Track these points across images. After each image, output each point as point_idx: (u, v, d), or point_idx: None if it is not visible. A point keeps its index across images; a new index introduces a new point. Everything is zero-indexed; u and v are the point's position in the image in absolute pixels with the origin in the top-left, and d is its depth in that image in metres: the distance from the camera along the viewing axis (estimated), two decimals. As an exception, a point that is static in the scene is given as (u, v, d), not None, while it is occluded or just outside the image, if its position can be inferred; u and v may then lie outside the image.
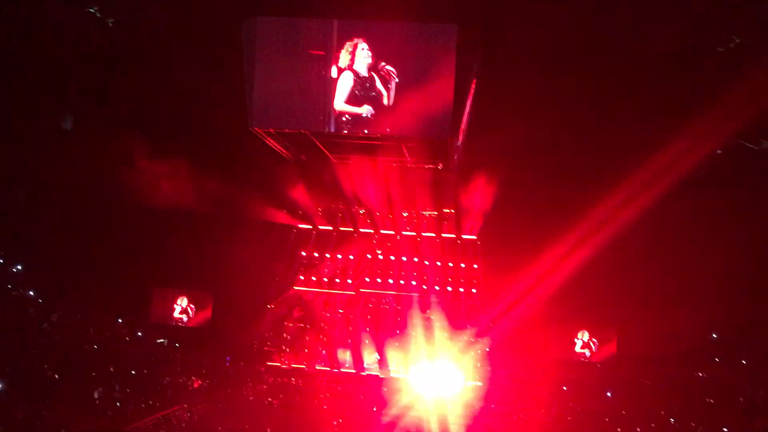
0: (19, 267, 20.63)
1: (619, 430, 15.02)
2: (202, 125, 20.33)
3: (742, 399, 15.67)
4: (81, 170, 20.00)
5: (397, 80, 14.32)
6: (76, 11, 15.81)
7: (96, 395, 15.61)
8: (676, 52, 14.88)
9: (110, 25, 16.20)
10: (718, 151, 19.46)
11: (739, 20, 13.78)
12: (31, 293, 20.08)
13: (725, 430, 13.90)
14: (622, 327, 21.03)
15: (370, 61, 14.27)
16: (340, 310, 23.42)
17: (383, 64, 14.31)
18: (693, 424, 14.38)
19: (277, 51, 14.56)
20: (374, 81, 14.41)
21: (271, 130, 16.15)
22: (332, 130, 15.02)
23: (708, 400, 15.96)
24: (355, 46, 14.30)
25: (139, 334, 21.24)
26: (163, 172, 20.17)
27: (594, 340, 21.34)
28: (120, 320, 21.19)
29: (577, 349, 21.42)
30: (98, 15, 15.86)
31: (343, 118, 14.82)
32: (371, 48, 14.26)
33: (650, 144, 19.55)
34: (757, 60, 14.56)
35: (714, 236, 19.14)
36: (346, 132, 15.20)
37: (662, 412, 15.67)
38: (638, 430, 14.39)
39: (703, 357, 18.65)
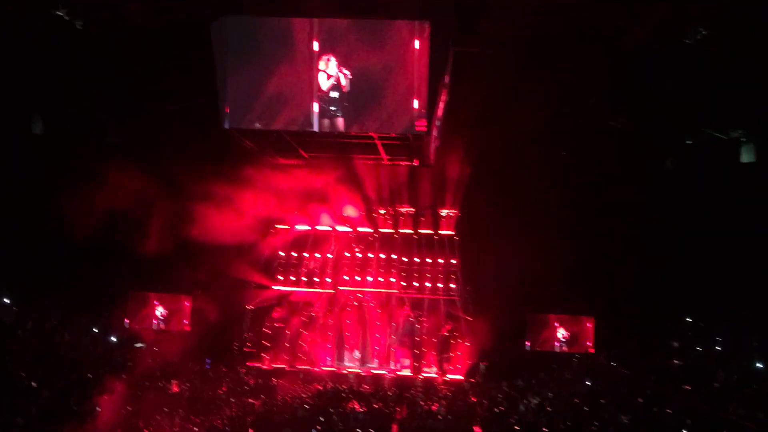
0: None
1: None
2: (176, 127, 20.23)
3: (716, 384, 15.97)
4: (53, 174, 19.76)
5: (350, 77, 14.54)
6: (43, 15, 15.56)
7: (73, 401, 15.44)
8: (649, 44, 15.09)
9: (78, 27, 15.97)
10: (688, 142, 19.88)
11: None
12: (6, 300, 19.79)
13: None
14: (599, 317, 21.32)
15: (336, 66, 14.51)
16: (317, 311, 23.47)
17: (341, 68, 14.54)
18: (669, 411, 14.60)
19: (254, 50, 14.50)
20: (339, 79, 14.58)
21: (246, 129, 16.03)
22: (315, 129, 14.99)
23: (684, 386, 16.23)
24: (328, 61, 14.50)
25: (116, 339, 21.03)
26: (138, 175, 19.96)
27: (572, 330, 21.60)
28: (97, 325, 20.94)
29: (556, 340, 21.66)
30: (66, 18, 15.60)
31: (322, 118, 14.87)
32: (338, 59, 14.47)
33: (625, 139, 19.89)
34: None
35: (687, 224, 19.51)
36: (323, 130, 15.16)
37: (640, 400, 15.90)
38: (620, 417, 14.59)
39: (678, 344, 18.97)
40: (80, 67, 17.73)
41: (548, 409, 16.05)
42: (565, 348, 21.50)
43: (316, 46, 14.41)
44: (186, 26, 15.70)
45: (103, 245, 20.64)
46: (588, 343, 21.32)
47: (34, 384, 15.88)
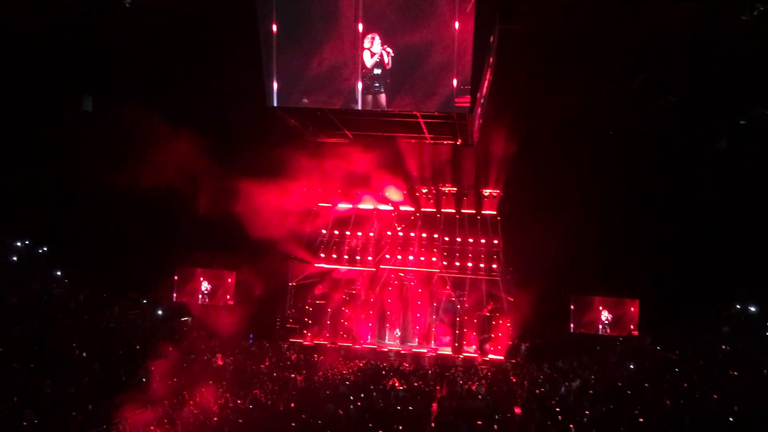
0: (45, 248, 20.99)
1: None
2: (220, 105, 20.40)
3: (765, 371, 15.58)
4: (103, 152, 20.20)
5: (393, 54, 14.44)
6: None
7: (122, 372, 15.90)
8: (697, 19, 14.57)
9: (127, 6, 16.20)
10: (742, 122, 19.21)
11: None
12: (58, 273, 20.42)
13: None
14: (645, 301, 20.97)
15: (380, 43, 14.44)
16: (359, 289, 23.61)
17: (385, 46, 14.44)
18: (715, 396, 14.30)
19: (301, 28, 14.49)
20: (382, 56, 14.52)
21: (292, 107, 16.06)
22: (359, 107, 14.98)
23: (731, 372, 15.87)
24: (373, 39, 14.44)
25: (163, 312, 21.54)
26: (184, 153, 20.26)
27: (616, 313, 21.32)
28: (145, 299, 21.48)
29: (600, 322, 21.42)
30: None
31: (365, 95, 14.84)
32: (382, 37, 14.37)
33: (672, 119, 19.32)
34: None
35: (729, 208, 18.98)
36: (366, 108, 15.12)
37: (685, 385, 15.62)
38: (664, 401, 14.35)
39: (726, 329, 18.54)
40: (122, 44, 17.99)
41: (590, 391, 15.88)
42: (608, 330, 21.26)
43: (360, 23, 14.35)
44: (231, 4, 15.79)
45: (151, 222, 21.12)
46: (631, 326, 21.05)
47: (85, 355, 16.37)
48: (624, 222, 19.91)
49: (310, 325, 23.18)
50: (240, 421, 13.66)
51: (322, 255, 24.01)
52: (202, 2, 16.26)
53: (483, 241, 23.03)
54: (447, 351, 22.14)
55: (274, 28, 14.59)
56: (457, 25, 14.01)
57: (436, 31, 14.11)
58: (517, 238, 22.17)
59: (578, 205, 20.19)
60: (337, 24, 14.38)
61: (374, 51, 14.51)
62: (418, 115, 16.07)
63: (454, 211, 23.46)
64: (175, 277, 23.28)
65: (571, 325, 21.50)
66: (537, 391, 16.50)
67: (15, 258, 20.00)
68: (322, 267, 23.92)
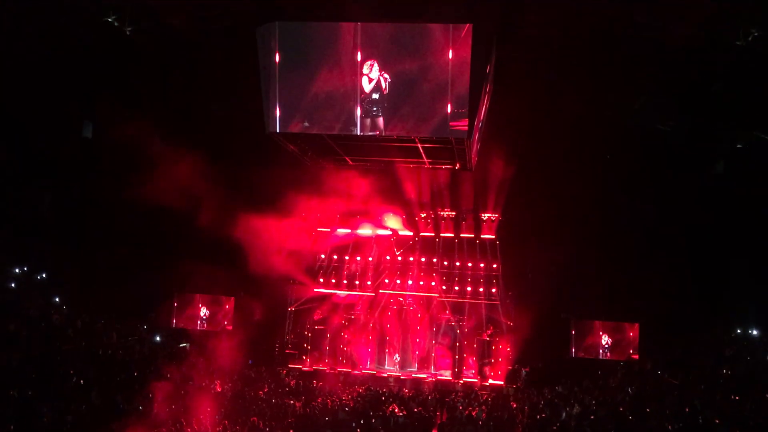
0: (44, 275, 20.95)
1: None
2: (221, 131, 20.54)
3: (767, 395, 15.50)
4: (103, 178, 20.29)
5: (392, 80, 14.64)
6: (94, 21, 16.07)
7: (120, 400, 15.79)
8: (692, 45, 14.79)
9: (128, 33, 16.42)
10: (738, 145, 19.34)
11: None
12: (56, 300, 20.35)
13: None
14: (645, 325, 20.89)
15: (378, 70, 14.64)
16: (358, 314, 23.52)
17: (383, 72, 14.66)
18: (717, 420, 14.19)
19: (301, 55, 14.71)
20: (380, 83, 14.72)
21: (291, 133, 16.18)
22: (358, 132, 15.11)
23: (733, 396, 15.77)
24: (372, 66, 14.65)
25: (162, 338, 21.44)
26: (183, 178, 20.32)
27: (616, 336, 21.22)
28: (143, 325, 21.40)
29: (600, 346, 21.32)
30: (116, 24, 16.09)
31: (364, 119, 15.00)
32: (380, 63, 14.61)
33: (673, 142, 19.48)
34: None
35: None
36: (365, 132, 15.24)
37: (686, 409, 15.50)
38: (666, 426, 14.23)
39: (728, 353, 18.47)
40: (127, 73, 18.21)
41: (591, 417, 15.75)
42: (608, 354, 21.15)
43: (359, 50, 14.53)
44: (230, 34, 16.02)
45: (149, 247, 21.10)
46: (631, 350, 20.95)
47: (83, 382, 16.27)
48: (623, 246, 19.92)
49: (309, 350, 23.05)
50: (238, 448, 13.54)
51: (321, 280, 23.96)
52: (203, 33, 16.54)
53: (482, 265, 22.99)
54: (447, 376, 21.99)
55: (277, 57, 14.77)
56: (451, 53, 14.20)
57: (432, 57, 14.31)
58: (516, 262, 22.15)
59: (577, 229, 20.24)
60: (337, 52, 14.57)
61: (372, 77, 14.70)
62: (417, 140, 16.19)
63: (452, 235, 23.46)
64: (174, 303, 23.20)
65: (572, 350, 21.40)
66: (538, 417, 16.36)
67: (13, 284, 19.95)
68: (321, 292, 23.85)
